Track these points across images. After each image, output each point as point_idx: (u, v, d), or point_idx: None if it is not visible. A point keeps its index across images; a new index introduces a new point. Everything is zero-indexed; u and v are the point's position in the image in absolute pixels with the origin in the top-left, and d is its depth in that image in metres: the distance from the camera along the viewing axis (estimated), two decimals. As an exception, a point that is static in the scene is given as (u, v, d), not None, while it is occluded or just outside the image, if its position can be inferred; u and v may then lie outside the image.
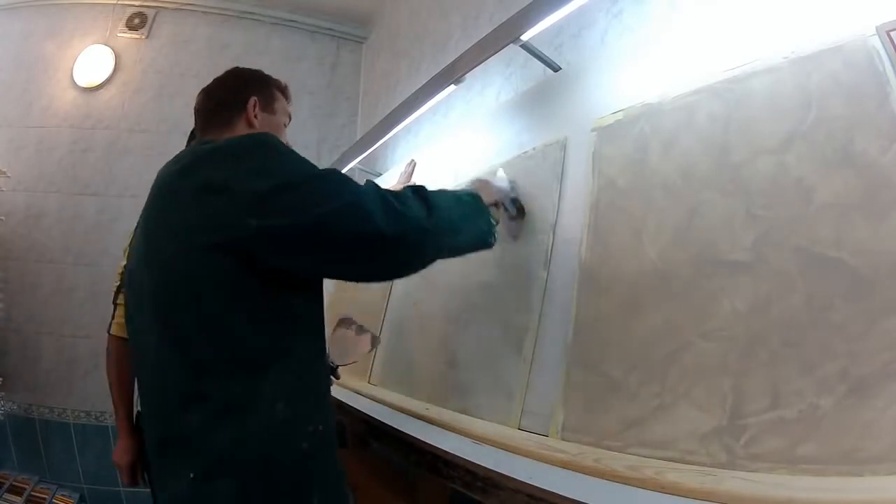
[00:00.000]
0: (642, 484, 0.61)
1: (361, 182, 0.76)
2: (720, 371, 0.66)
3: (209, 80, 0.95)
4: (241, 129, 0.89)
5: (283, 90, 1.00)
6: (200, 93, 0.95)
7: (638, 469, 0.64)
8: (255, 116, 0.91)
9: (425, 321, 1.34)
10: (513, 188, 1.10)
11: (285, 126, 0.99)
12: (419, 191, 0.80)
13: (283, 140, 0.94)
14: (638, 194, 0.87)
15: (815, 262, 0.61)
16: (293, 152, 0.74)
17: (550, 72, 1.27)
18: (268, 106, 0.94)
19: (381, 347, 1.52)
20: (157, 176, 0.80)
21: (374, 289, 1.73)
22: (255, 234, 0.65)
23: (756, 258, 0.67)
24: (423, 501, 1.07)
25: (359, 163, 2.16)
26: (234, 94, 0.92)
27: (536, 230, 1.06)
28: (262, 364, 0.68)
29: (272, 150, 0.72)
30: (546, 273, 1.00)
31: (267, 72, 1.00)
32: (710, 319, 0.69)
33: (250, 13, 2.86)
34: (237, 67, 0.98)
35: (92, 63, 2.81)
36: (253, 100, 0.91)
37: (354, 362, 1.26)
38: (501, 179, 1.09)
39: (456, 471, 0.80)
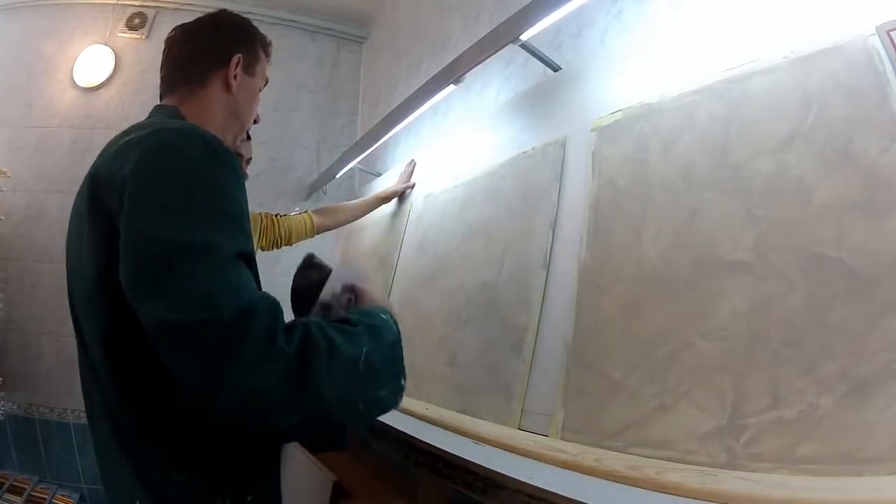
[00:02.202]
0: (643, 484, 0.61)
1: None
2: (720, 371, 0.66)
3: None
4: (214, 91, 0.76)
5: (267, 48, 0.87)
6: (177, 28, 0.80)
7: (638, 469, 0.64)
8: (235, 77, 0.77)
9: (425, 321, 1.34)
10: None
11: (260, 91, 0.86)
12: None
13: (253, 108, 0.84)
14: (638, 194, 0.87)
15: (815, 262, 0.61)
16: (211, 185, 0.56)
17: (550, 72, 1.27)
18: (250, 66, 0.81)
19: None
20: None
21: (375, 288, 1.73)
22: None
23: (756, 258, 0.67)
24: (423, 501, 1.07)
25: (359, 163, 2.16)
26: (218, 44, 0.78)
27: (537, 230, 1.06)
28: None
29: (184, 173, 0.56)
30: (546, 273, 0.99)
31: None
32: (710, 319, 0.69)
33: (250, 13, 2.83)
34: (225, 11, 0.83)
35: (92, 63, 2.80)
36: (237, 57, 0.77)
37: None
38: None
39: (456, 471, 0.80)
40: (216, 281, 0.49)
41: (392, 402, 0.62)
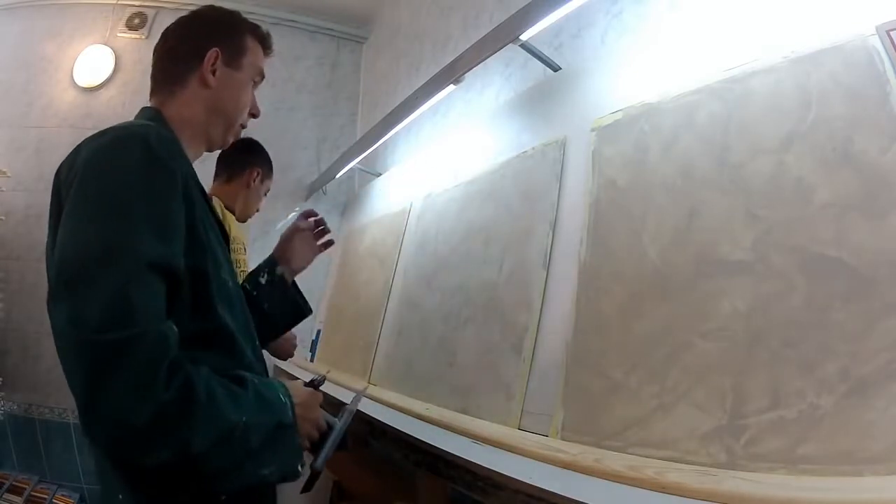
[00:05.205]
0: (642, 484, 0.61)
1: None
2: (720, 371, 0.66)
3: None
4: (193, 89, 0.75)
5: (263, 39, 0.83)
6: (162, 32, 0.79)
7: (638, 469, 0.64)
8: (214, 73, 0.75)
9: (425, 321, 1.34)
10: (345, 423, 0.78)
11: (255, 84, 0.82)
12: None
13: (241, 102, 0.80)
14: (638, 194, 0.86)
15: (815, 262, 0.61)
16: (139, 185, 0.56)
17: (550, 72, 1.27)
18: (233, 60, 0.77)
19: (381, 347, 1.52)
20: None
21: (374, 288, 1.73)
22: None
23: (756, 258, 0.67)
24: (423, 501, 1.07)
25: (359, 163, 2.16)
26: (193, 42, 0.76)
27: (536, 230, 1.06)
28: None
29: (115, 177, 0.57)
30: (546, 273, 0.99)
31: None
32: (710, 319, 0.69)
33: (250, 13, 2.82)
34: (211, 6, 0.81)
35: (92, 63, 2.80)
36: (213, 52, 0.75)
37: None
38: (340, 416, 0.78)
39: (456, 471, 0.80)
40: (112, 298, 0.49)
41: (278, 480, 0.62)
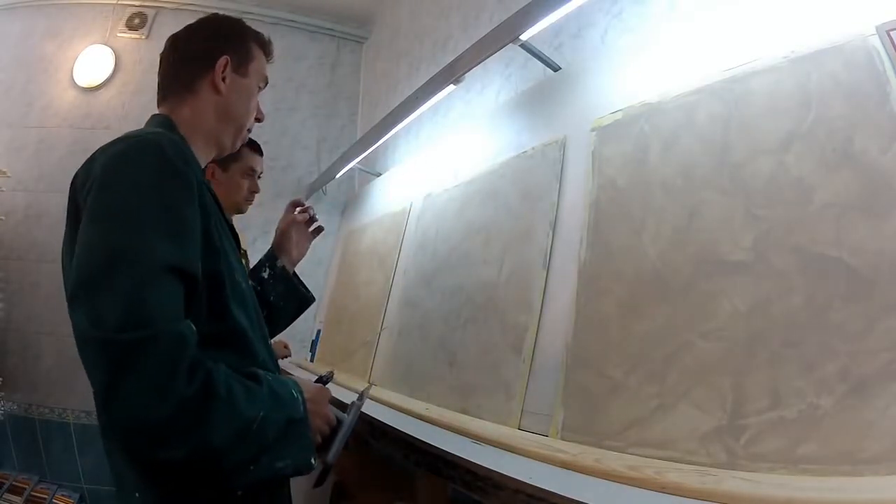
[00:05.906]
0: (642, 484, 0.61)
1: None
2: (720, 371, 0.66)
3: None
4: (204, 95, 0.76)
5: (265, 45, 0.85)
6: (168, 39, 0.81)
7: (638, 469, 0.64)
8: (224, 80, 0.77)
9: (425, 321, 1.34)
10: (353, 418, 0.79)
11: (260, 89, 0.84)
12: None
13: (250, 107, 0.82)
14: (638, 194, 0.86)
15: (815, 262, 0.61)
16: (152, 197, 0.57)
17: (550, 71, 1.27)
18: (241, 66, 0.79)
19: (381, 347, 1.52)
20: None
21: (374, 288, 1.73)
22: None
23: (756, 258, 0.67)
24: (423, 501, 1.07)
25: (359, 163, 2.16)
26: (204, 49, 0.77)
27: (536, 230, 1.06)
28: None
29: (128, 183, 0.58)
30: (546, 273, 0.99)
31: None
32: (710, 319, 0.69)
33: (250, 13, 2.85)
34: (216, 14, 0.83)
35: (92, 63, 2.80)
36: (224, 59, 0.77)
37: None
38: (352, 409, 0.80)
39: (456, 471, 0.80)
40: (131, 299, 0.51)
41: (292, 474, 0.63)
